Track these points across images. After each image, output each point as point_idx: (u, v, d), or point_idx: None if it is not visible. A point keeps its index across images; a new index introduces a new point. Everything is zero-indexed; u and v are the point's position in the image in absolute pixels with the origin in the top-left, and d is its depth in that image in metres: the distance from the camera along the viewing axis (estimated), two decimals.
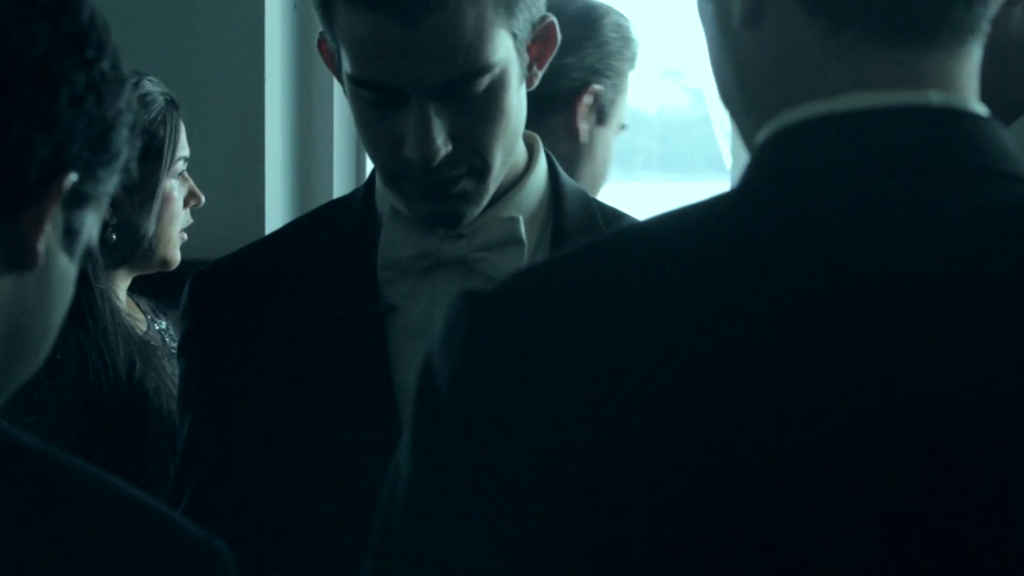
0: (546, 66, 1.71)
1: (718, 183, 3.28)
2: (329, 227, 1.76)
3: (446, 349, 1.00)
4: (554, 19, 1.69)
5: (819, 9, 1.02)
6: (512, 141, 1.66)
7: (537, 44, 1.67)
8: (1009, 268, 0.98)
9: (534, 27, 1.66)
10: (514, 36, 1.62)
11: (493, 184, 1.65)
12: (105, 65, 1.12)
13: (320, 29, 1.69)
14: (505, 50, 1.60)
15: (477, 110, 1.60)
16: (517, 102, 1.65)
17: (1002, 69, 1.47)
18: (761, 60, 1.05)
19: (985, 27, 1.04)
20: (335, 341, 1.68)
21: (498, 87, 1.61)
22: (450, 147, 1.60)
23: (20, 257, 1.09)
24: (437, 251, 1.68)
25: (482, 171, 1.63)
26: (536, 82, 1.70)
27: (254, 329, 1.71)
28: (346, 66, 1.62)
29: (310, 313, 1.69)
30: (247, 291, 1.74)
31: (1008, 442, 0.94)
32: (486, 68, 1.59)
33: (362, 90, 1.61)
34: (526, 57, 1.66)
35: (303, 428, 1.67)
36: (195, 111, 2.88)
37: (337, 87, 3.07)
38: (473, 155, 1.62)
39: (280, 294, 1.72)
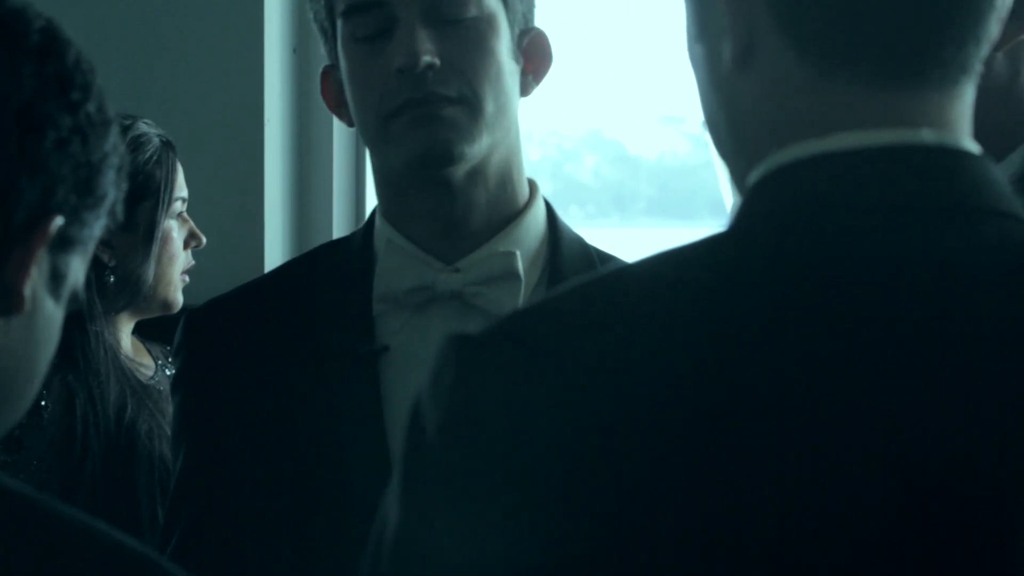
0: (541, 81, 1.73)
1: (719, 229, 3.27)
2: (325, 266, 1.77)
3: (435, 391, 0.99)
4: (546, 35, 1.73)
5: (809, 50, 1.02)
6: (504, 100, 1.67)
7: (531, 55, 1.72)
8: (1007, 306, 0.97)
9: (526, 22, 1.71)
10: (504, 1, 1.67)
11: (486, 131, 1.65)
12: (91, 108, 1.11)
13: (324, 64, 1.72)
14: None
15: (466, 39, 1.64)
16: (508, 67, 1.67)
17: (984, 114, 1.46)
18: (752, 101, 1.04)
19: (978, 67, 1.04)
20: (328, 380, 1.67)
21: (486, 28, 1.65)
22: (437, 61, 1.62)
23: (6, 302, 1.08)
24: (433, 284, 1.68)
25: (472, 104, 1.64)
26: (531, 91, 1.73)
27: (247, 368, 1.71)
28: (339, 7, 1.66)
29: (303, 351, 1.69)
30: (240, 330, 1.74)
31: (1011, 486, 0.93)
32: None
33: (356, 24, 1.65)
34: (523, 44, 1.70)
35: (294, 468, 1.66)
36: (196, 156, 2.88)
37: (336, 131, 3.07)
38: (462, 81, 1.63)
39: (274, 332, 1.72)
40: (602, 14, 3.38)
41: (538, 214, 1.74)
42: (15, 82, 1.08)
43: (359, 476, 1.63)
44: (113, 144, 1.14)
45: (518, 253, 1.69)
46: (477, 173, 1.67)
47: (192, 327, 1.77)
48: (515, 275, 1.68)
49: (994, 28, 1.03)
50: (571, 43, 3.24)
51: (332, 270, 1.75)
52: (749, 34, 1.03)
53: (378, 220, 1.73)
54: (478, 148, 1.64)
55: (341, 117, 1.75)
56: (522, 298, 1.68)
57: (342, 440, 1.65)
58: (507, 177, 1.70)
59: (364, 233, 1.76)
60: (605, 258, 1.76)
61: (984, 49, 1.03)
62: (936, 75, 1.02)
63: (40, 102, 1.09)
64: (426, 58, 1.62)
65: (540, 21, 1.74)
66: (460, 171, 1.65)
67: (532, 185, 1.76)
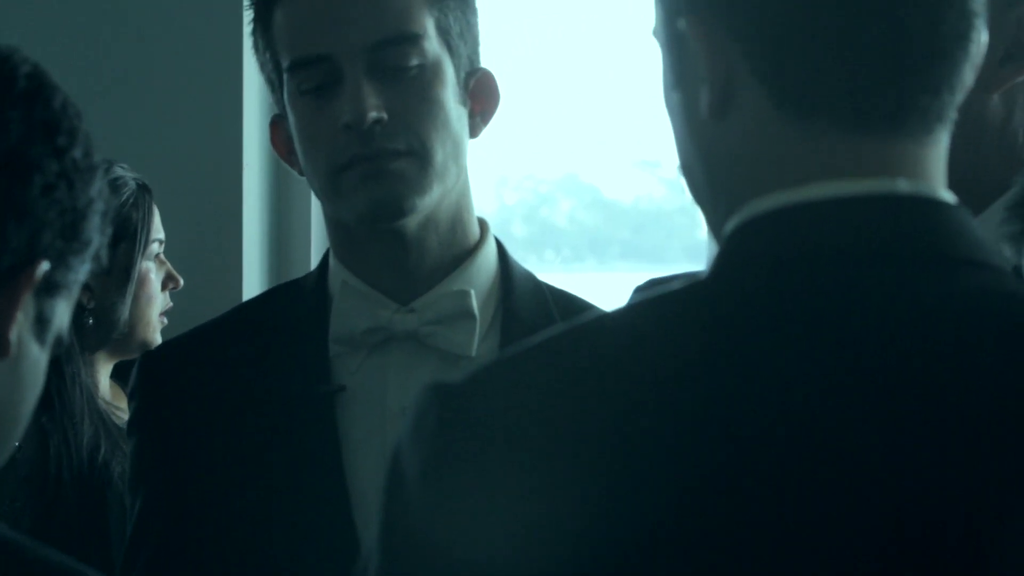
0: (489, 121, 1.74)
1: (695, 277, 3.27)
2: (280, 307, 1.77)
3: (415, 440, 0.99)
4: (492, 74, 1.73)
5: (786, 99, 1.02)
6: (453, 147, 1.67)
7: (477, 95, 1.72)
8: (983, 356, 0.98)
9: (471, 64, 1.71)
10: (447, 44, 1.67)
11: (436, 181, 1.65)
12: (77, 153, 1.12)
13: (273, 113, 1.72)
14: (434, 40, 1.66)
15: (412, 90, 1.64)
16: (456, 113, 1.68)
17: (977, 155, 1.47)
18: (729, 150, 1.05)
19: (952, 115, 1.05)
20: (284, 421, 1.67)
21: (431, 77, 1.65)
22: (384, 115, 1.62)
23: None
24: (389, 325, 1.68)
25: (421, 155, 1.64)
26: (480, 132, 1.73)
27: (202, 410, 1.70)
28: (286, 63, 1.67)
29: (259, 393, 1.69)
30: (195, 372, 1.73)
31: (990, 529, 0.94)
32: (414, 35, 1.64)
33: (301, 78, 1.65)
34: (469, 85, 1.70)
35: (253, 510, 1.65)
36: (175, 199, 2.88)
37: None
38: (410, 133, 1.63)
39: (229, 374, 1.71)
40: (578, 58, 3.39)
41: (489, 253, 1.75)
42: (3, 127, 1.08)
43: (318, 518, 1.63)
44: (98, 189, 1.14)
45: (472, 292, 1.70)
46: (428, 220, 1.68)
47: (146, 369, 1.76)
48: (470, 314, 1.69)
49: (969, 76, 1.04)
50: (546, 87, 3.25)
51: (287, 311, 1.75)
52: (726, 83, 1.04)
53: (332, 262, 1.74)
54: (429, 199, 1.65)
55: (292, 165, 1.75)
56: (476, 337, 1.69)
57: (300, 482, 1.65)
58: (458, 219, 1.71)
59: (318, 274, 1.76)
60: (557, 295, 1.77)
61: (959, 97, 1.04)
62: (912, 124, 1.03)
63: (27, 147, 1.09)
64: (372, 114, 1.62)
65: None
66: (412, 222, 1.66)
67: (483, 224, 1.76)
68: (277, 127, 1.75)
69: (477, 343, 1.68)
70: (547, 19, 3.18)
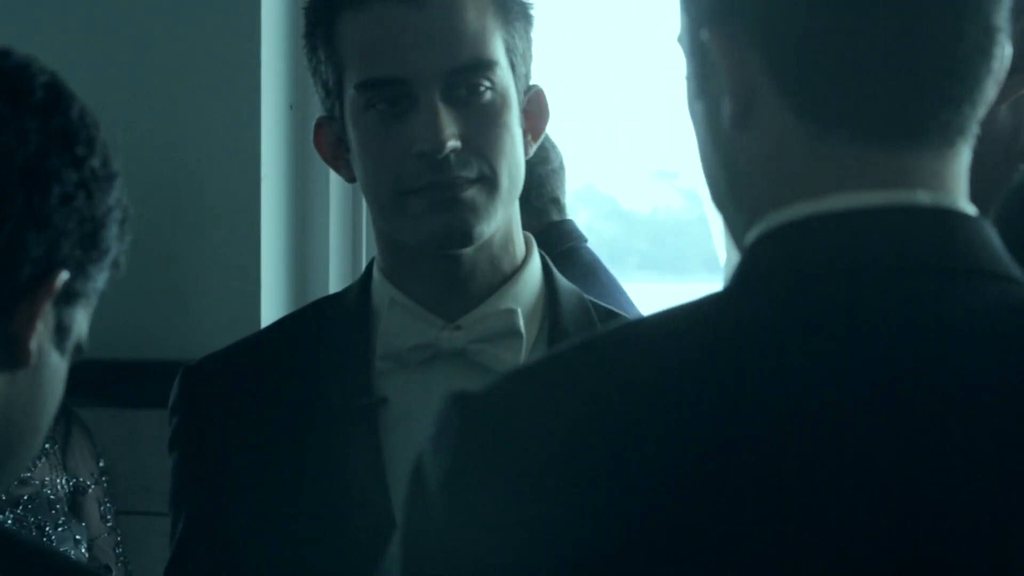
0: (540, 140, 1.73)
1: (712, 284, 3.28)
2: (323, 320, 1.76)
3: (437, 449, 0.99)
4: (543, 91, 1.73)
5: (807, 111, 1.02)
6: (516, 172, 1.67)
7: (531, 113, 1.71)
8: (1003, 368, 0.97)
9: (527, 83, 1.70)
10: (512, 64, 1.67)
11: (501, 207, 1.65)
12: (95, 162, 1.12)
13: (318, 115, 1.71)
14: (505, 68, 1.66)
15: (483, 116, 1.64)
16: (519, 136, 1.68)
17: (985, 167, 1.47)
18: (750, 160, 1.05)
19: (974, 129, 1.04)
20: (328, 434, 1.67)
21: (501, 104, 1.65)
22: (459, 144, 1.62)
23: (12, 356, 1.09)
24: (436, 342, 1.68)
25: (491, 182, 1.64)
26: (531, 151, 1.73)
27: (245, 423, 1.71)
28: (353, 77, 1.65)
29: (302, 406, 1.69)
30: (237, 385, 1.73)
31: (1006, 550, 0.94)
32: (490, 62, 1.64)
33: (371, 96, 1.64)
34: (523, 104, 1.69)
35: (296, 522, 1.66)
36: (193, 212, 2.88)
37: (333, 187, 3.08)
38: (481, 160, 1.63)
39: (271, 387, 1.71)
40: (597, 69, 3.40)
41: (535, 269, 1.75)
42: (20, 138, 1.08)
43: (362, 530, 1.62)
44: (117, 197, 1.14)
45: (519, 310, 1.70)
46: (484, 242, 1.68)
47: (189, 383, 1.76)
48: (516, 332, 1.69)
49: (991, 91, 1.04)
50: (565, 98, 3.25)
51: (329, 325, 1.75)
52: (748, 94, 1.04)
53: (376, 275, 1.73)
54: (494, 225, 1.66)
55: (339, 171, 1.74)
56: (523, 354, 1.69)
57: (345, 494, 1.65)
58: (508, 238, 1.71)
59: (360, 288, 1.75)
60: (602, 310, 1.77)
61: (981, 111, 1.04)
62: (933, 137, 1.02)
63: (45, 158, 1.09)
64: (450, 143, 1.61)
65: (536, 76, 1.74)
66: (473, 247, 1.67)
67: (528, 240, 1.76)
68: (323, 128, 1.74)
69: (523, 360, 1.68)
70: (565, 32, 3.19)
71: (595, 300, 1.79)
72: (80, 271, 1.11)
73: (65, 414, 2.75)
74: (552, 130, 1.77)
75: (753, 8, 1.03)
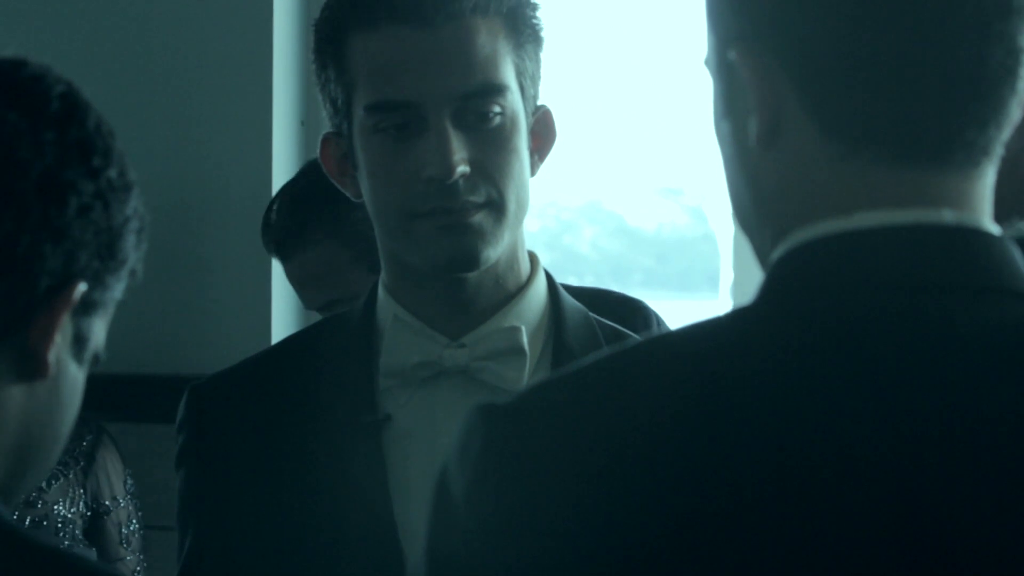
0: (545, 159, 1.73)
1: (716, 301, 3.28)
2: (327, 339, 1.76)
3: (462, 461, 0.99)
4: (550, 111, 1.72)
5: (834, 130, 1.03)
6: (523, 195, 1.67)
7: (537, 133, 1.71)
8: None
9: (535, 104, 1.69)
10: (521, 87, 1.66)
11: (508, 231, 1.65)
12: (112, 173, 1.12)
13: (324, 131, 1.71)
14: (515, 92, 1.65)
15: (493, 141, 1.63)
16: (527, 159, 1.67)
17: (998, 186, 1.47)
18: (777, 179, 1.05)
19: (999, 149, 1.05)
20: (332, 451, 1.67)
21: (511, 128, 1.64)
22: (468, 169, 1.61)
23: (31, 367, 1.09)
24: (440, 360, 1.68)
25: (499, 207, 1.63)
26: (537, 171, 1.72)
27: (250, 440, 1.71)
28: (363, 98, 1.64)
29: (307, 423, 1.69)
30: (244, 404, 1.74)
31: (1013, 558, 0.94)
32: (501, 87, 1.63)
33: (380, 118, 1.63)
34: (531, 125, 1.68)
35: (301, 539, 1.66)
36: (205, 225, 2.88)
37: None
38: (490, 185, 1.62)
39: (276, 405, 1.71)
40: (602, 85, 3.40)
41: (539, 287, 1.74)
42: (37, 150, 1.08)
43: (366, 547, 1.62)
44: (134, 207, 1.14)
45: (523, 328, 1.69)
46: (491, 264, 1.67)
47: (195, 401, 1.76)
48: (520, 350, 1.68)
49: (1016, 112, 1.05)
50: (571, 115, 3.25)
51: (334, 342, 1.75)
52: (775, 113, 1.04)
53: (381, 293, 1.73)
54: (501, 249, 1.65)
55: (344, 187, 1.73)
56: (527, 372, 1.69)
57: (349, 511, 1.65)
58: (514, 257, 1.71)
59: (365, 306, 1.76)
60: (607, 329, 1.77)
61: (1006, 132, 1.05)
62: (958, 157, 1.03)
63: (62, 169, 1.09)
64: (460, 168, 1.60)
65: (542, 92, 1.74)
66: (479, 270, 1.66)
67: (533, 257, 1.76)
68: (329, 144, 1.73)
69: (527, 379, 1.68)
70: (569, 47, 3.19)
71: (601, 319, 1.78)
72: (98, 281, 1.11)
73: (93, 432, 2.74)
74: (558, 147, 1.76)
75: (781, 28, 1.03)
